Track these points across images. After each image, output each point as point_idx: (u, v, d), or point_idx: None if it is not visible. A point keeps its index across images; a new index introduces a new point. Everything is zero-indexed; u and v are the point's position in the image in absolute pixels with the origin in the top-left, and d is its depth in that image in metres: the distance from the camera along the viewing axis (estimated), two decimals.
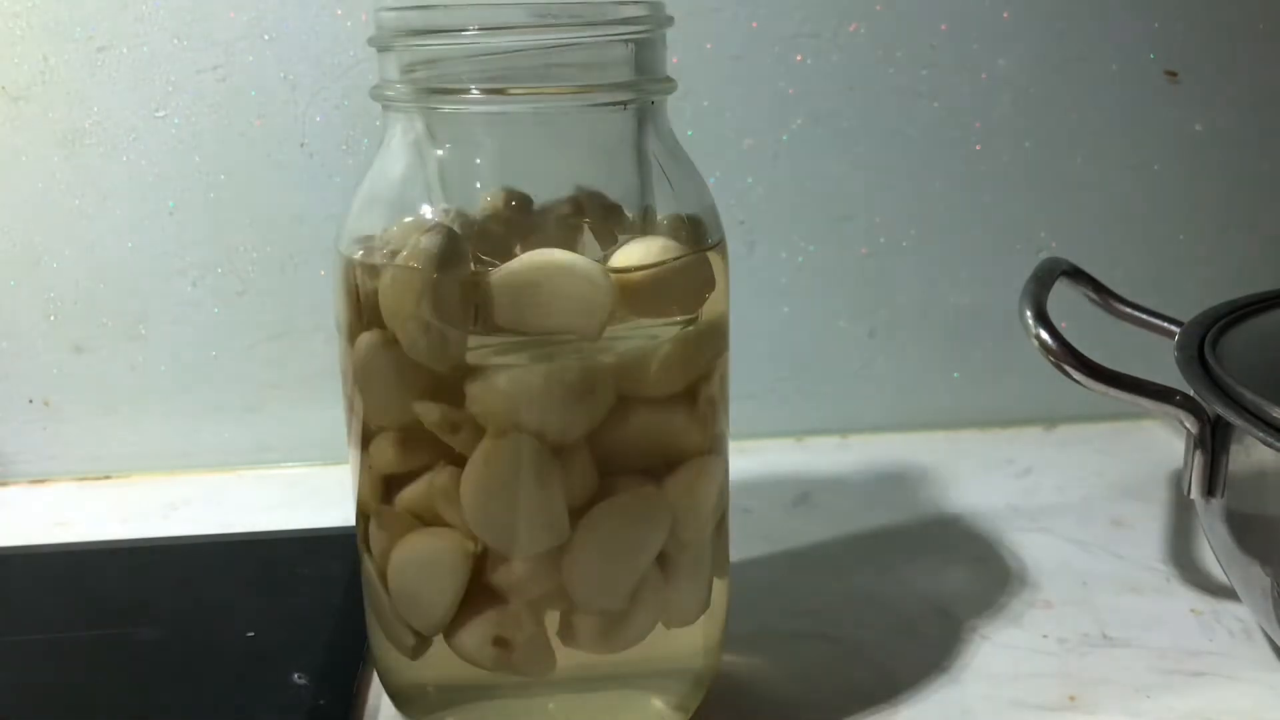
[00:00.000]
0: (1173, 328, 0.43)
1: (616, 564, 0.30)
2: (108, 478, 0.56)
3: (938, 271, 0.57)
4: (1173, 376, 0.38)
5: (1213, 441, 0.36)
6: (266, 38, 0.51)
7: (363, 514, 0.32)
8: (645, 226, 0.31)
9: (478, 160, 0.31)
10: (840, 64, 0.53)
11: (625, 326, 0.29)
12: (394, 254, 0.29)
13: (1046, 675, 0.37)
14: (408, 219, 0.30)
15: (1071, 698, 0.36)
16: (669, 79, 0.31)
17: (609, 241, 0.31)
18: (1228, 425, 0.35)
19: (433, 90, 0.29)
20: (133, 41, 0.51)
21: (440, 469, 0.29)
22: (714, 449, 0.32)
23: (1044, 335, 0.38)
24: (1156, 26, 0.54)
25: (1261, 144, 0.56)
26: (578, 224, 0.31)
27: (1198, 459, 0.37)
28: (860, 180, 0.55)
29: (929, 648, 0.39)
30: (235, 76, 0.51)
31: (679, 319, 0.31)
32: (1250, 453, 0.35)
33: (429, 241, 0.28)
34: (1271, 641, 0.39)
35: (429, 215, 0.30)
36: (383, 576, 0.31)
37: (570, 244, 0.31)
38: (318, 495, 0.53)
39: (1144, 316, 0.46)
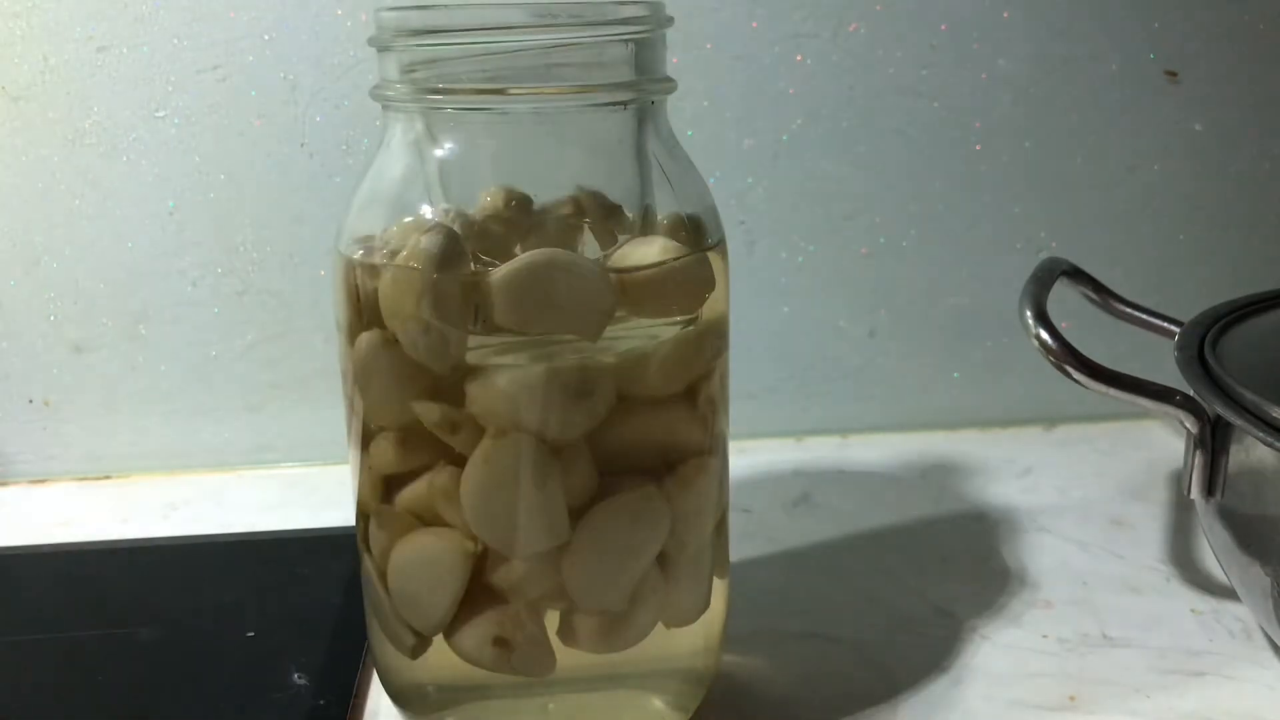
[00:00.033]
0: (1173, 328, 0.43)
1: (616, 564, 0.30)
2: (108, 478, 0.56)
3: (938, 271, 0.57)
4: (1173, 376, 0.38)
5: (1213, 441, 0.36)
6: (266, 38, 0.51)
7: (363, 514, 0.32)
8: (645, 226, 0.31)
9: (478, 160, 0.31)
10: (840, 64, 0.53)
11: (625, 326, 0.29)
12: (394, 254, 0.29)
13: (1046, 675, 0.37)
14: (408, 219, 0.30)
15: (1071, 698, 0.36)
16: (669, 79, 0.31)
17: (609, 241, 0.31)
18: (1228, 425, 0.35)
19: (433, 90, 0.29)
20: (133, 41, 0.51)
21: (440, 469, 0.29)
22: (714, 449, 0.32)
23: (1044, 335, 0.38)
24: (1156, 26, 0.54)
25: (1261, 144, 0.56)
26: (578, 224, 0.31)
27: (1198, 459, 0.37)
28: (860, 180, 0.55)
29: (929, 648, 0.39)
30: (235, 76, 0.51)
31: (679, 319, 0.31)
32: (1250, 453, 0.35)
33: (429, 241, 0.28)
34: (1271, 641, 0.39)
35: (429, 215, 0.30)
36: (383, 576, 0.31)
37: (570, 244, 0.31)
38: (317, 495, 0.53)
39: (1144, 316, 0.46)
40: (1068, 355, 0.37)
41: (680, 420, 0.31)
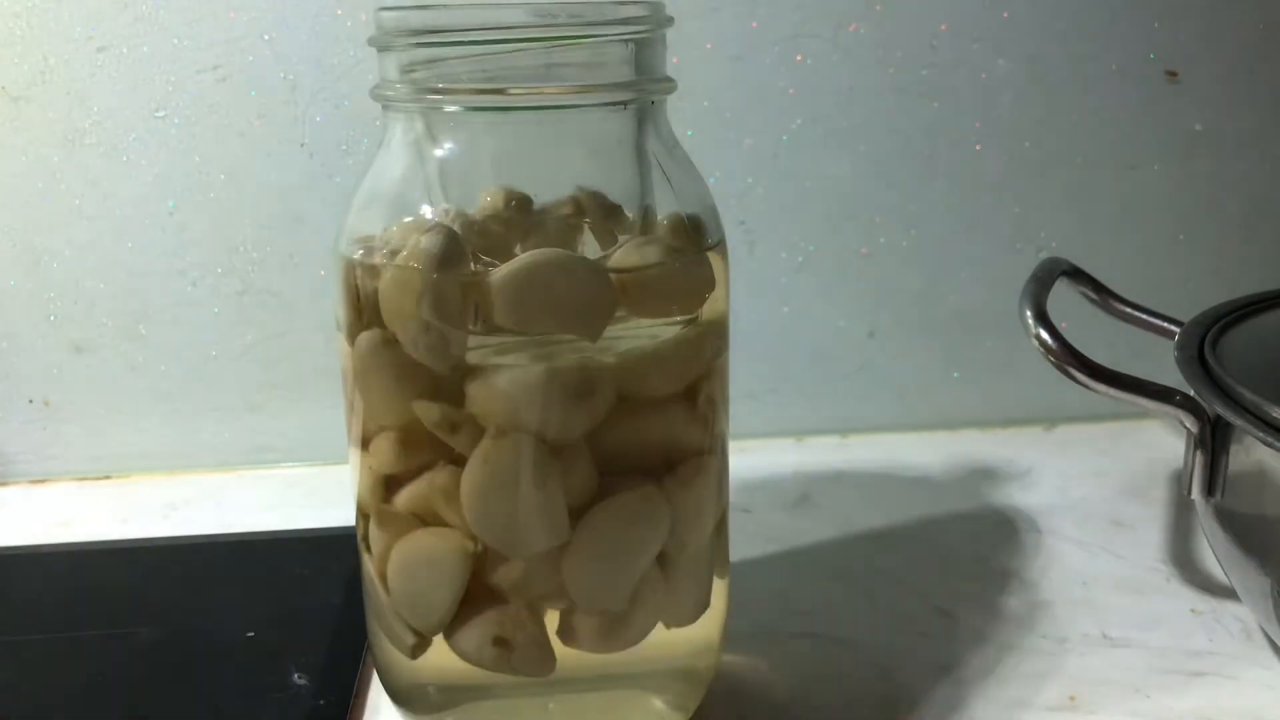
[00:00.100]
0: (1173, 328, 0.43)
1: (616, 564, 0.30)
2: (108, 478, 0.56)
3: (938, 271, 0.57)
4: (1173, 376, 0.38)
5: (1213, 441, 0.36)
6: (266, 38, 0.51)
7: (362, 514, 0.32)
8: (645, 226, 0.31)
9: (478, 160, 0.31)
10: (840, 64, 0.53)
11: (625, 326, 0.29)
12: (394, 254, 0.29)
13: (1046, 675, 0.37)
14: (408, 219, 0.30)
15: (1071, 698, 0.36)
16: (669, 79, 0.31)
17: (609, 241, 0.31)
18: (1228, 425, 0.35)
19: (433, 90, 0.29)
20: (133, 41, 0.51)
21: (440, 469, 0.29)
22: (714, 449, 0.32)
23: (1044, 335, 0.38)
24: (1156, 26, 0.54)
25: (1261, 144, 0.56)
26: (578, 224, 0.31)
27: (1198, 459, 0.37)
28: (860, 180, 0.55)
29: (929, 648, 0.39)
30: (235, 76, 0.51)
31: (679, 319, 0.31)
32: (1250, 453, 0.35)
33: (429, 241, 0.28)
34: (1271, 641, 0.39)
35: (429, 215, 0.30)
36: (382, 576, 0.31)
37: (570, 244, 0.31)
38: (317, 495, 0.53)
39: (1144, 316, 0.46)
40: (1068, 355, 0.37)
41: (680, 420, 0.31)
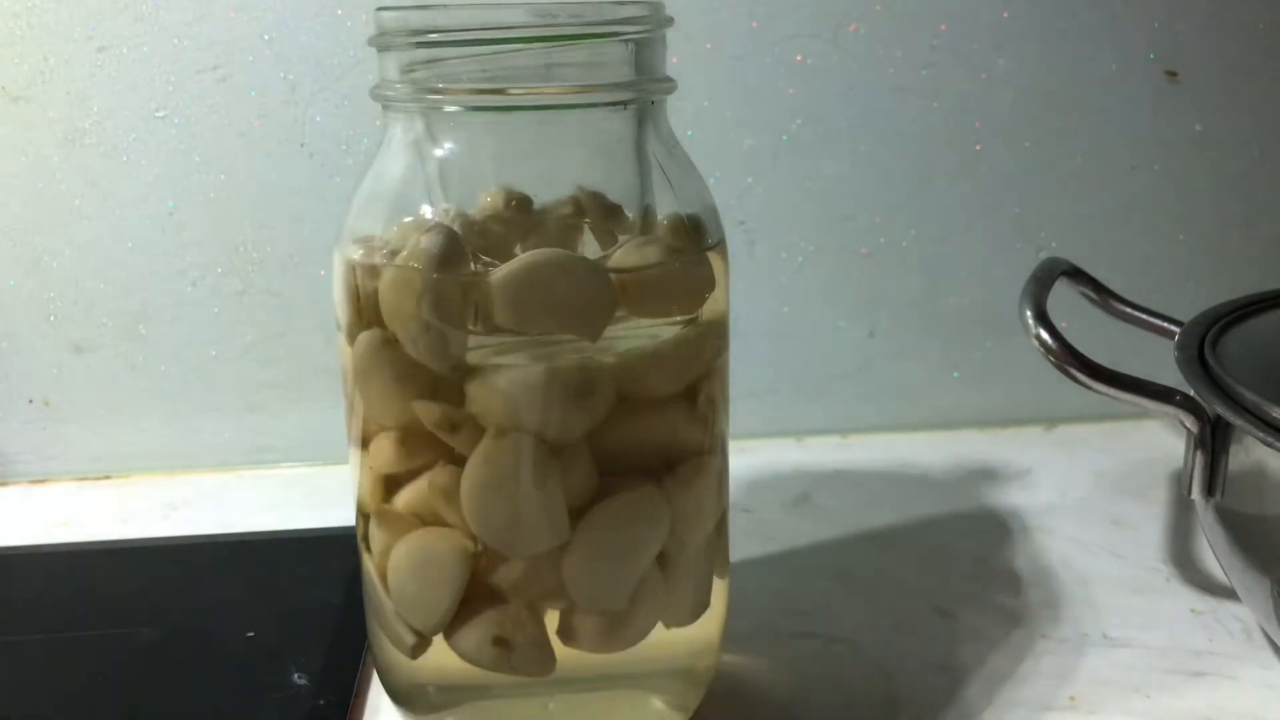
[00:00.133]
0: (1173, 328, 0.43)
1: (616, 564, 0.30)
2: (108, 478, 0.56)
3: (938, 271, 0.57)
4: (1173, 376, 0.38)
5: (1213, 441, 0.36)
6: (266, 38, 0.51)
7: (362, 513, 0.32)
8: (645, 226, 0.31)
9: (478, 160, 0.31)
10: (840, 64, 0.53)
11: (625, 326, 0.29)
12: (394, 254, 0.29)
13: (1046, 675, 0.37)
14: (408, 219, 0.30)
15: (1071, 698, 0.36)
16: (669, 79, 0.31)
17: (609, 241, 0.31)
18: (1228, 425, 0.35)
19: (433, 90, 0.29)
20: (133, 41, 0.51)
21: (440, 469, 0.29)
22: (714, 449, 0.32)
23: (1044, 335, 0.38)
24: (1156, 26, 0.54)
25: (1261, 144, 0.56)
26: (578, 224, 0.31)
27: (1198, 459, 0.37)
28: (860, 180, 0.55)
29: (929, 648, 0.39)
30: (235, 76, 0.51)
31: (679, 319, 0.31)
32: (1250, 453, 0.35)
33: (429, 241, 0.28)
34: (1271, 641, 0.39)
35: (429, 215, 0.30)
36: (382, 576, 0.31)
37: (570, 244, 0.31)
38: (317, 495, 0.53)
39: (1144, 316, 0.46)
40: (1068, 355, 0.37)
41: (680, 420, 0.31)
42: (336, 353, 0.32)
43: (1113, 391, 0.37)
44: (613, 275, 0.29)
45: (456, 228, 0.29)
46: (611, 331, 0.29)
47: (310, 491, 0.54)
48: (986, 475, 0.53)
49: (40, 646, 0.40)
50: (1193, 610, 0.41)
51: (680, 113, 0.33)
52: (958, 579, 0.44)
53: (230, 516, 0.51)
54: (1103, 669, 0.38)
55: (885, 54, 0.53)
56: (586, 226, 0.31)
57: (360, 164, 0.50)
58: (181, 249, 0.53)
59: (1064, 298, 0.44)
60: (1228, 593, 0.41)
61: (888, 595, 0.42)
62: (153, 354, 0.55)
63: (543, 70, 0.29)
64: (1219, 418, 0.36)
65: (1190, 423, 0.36)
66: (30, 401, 0.55)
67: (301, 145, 0.52)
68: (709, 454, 0.32)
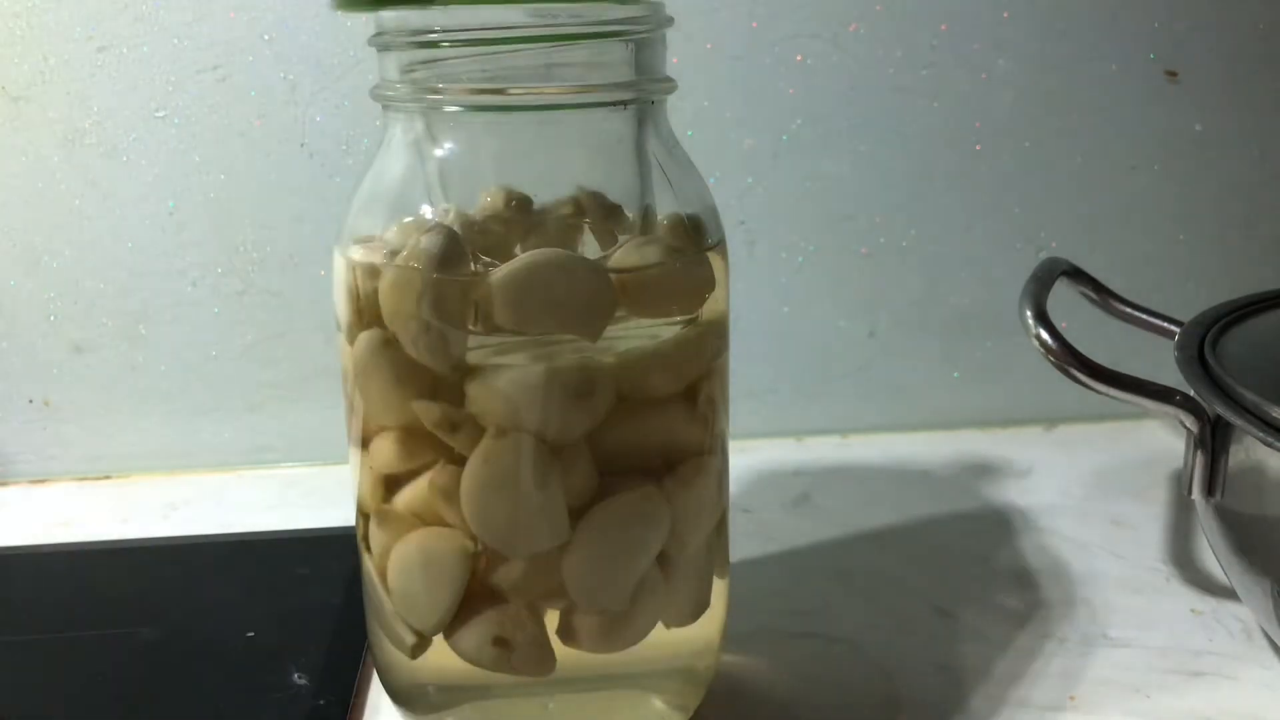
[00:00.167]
0: (1173, 328, 0.43)
1: (616, 564, 0.30)
2: (108, 478, 0.56)
3: (938, 271, 0.57)
4: (1173, 376, 0.38)
5: (1213, 441, 0.36)
6: (266, 38, 0.51)
7: (362, 513, 0.32)
8: (645, 226, 0.31)
9: (478, 160, 0.31)
10: (840, 64, 0.53)
11: (625, 326, 0.29)
12: (394, 254, 0.29)
13: (1046, 675, 0.37)
14: (408, 219, 0.30)
15: (1071, 698, 0.36)
16: (669, 79, 0.31)
17: (609, 242, 0.31)
18: (1228, 425, 0.35)
19: (433, 90, 0.29)
20: (133, 41, 0.51)
21: (440, 468, 0.29)
22: (714, 449, 0.32)
23: (1044, 335, 0.38)
24: (1156, 26, 0.54)
25: (1261, 144, 0.56)
26: (578, 224, 0.31)
27: (1198, 459, 0.37)
28: (860, 180, 0.55)
29: (929, 648, 0.39)
30: (235, 76, 0.51)
31: (679, 319, 0.31)
32: (1250, 453, 0.35)
33: (429, 241, 0.28)
34: (1271, 641, 0.39)
35: (429, 215, 0.30)
36: (382, 576, 0.31)
37: (570, 244, 0.31)
38: (317, 495, 0.53)
39: (1144, 316, 0.46)
40: (1068, 355, 0.37)
41: (680, 420, 0.31)
42: (336, 353, 0.32)
43: (1113, 391, 0.37)
44: (613, 275, 0.29)
45: (456, 228, 0.29)
46: (611, 331, 0.29)
47: (310, 491, 0.54)
48: (986, 475, 0.53)
49: (40, 646, 0.40)
50: (1193, 610, 0.41)
51: (680, 113, 0.33)
52: (958, 579, 0.44)
53: (230, 516, 0.51)
54: (1103, 669, 0.38)
55: (885, 54, 0.53)
56: (586, 226, 0.31)
57: (360, 164, 0.50)
58: (181, 249, 0.53)
59: (1064, 298, 0.44)
60: (1228, 593, 0.41)
61: (888, 595, 0.43)
62: (153, 354, 0.55)
63: (543, 70, 0.29)
64: (1219, 418, 0.36)
65: (1190, 423, 0.36)
66: (30, 401, 0.55)
67: (301, 145, 0.52)
68: (709, 454, 0.32)
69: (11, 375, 0.55)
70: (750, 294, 0.56)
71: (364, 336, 0.30)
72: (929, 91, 0.54)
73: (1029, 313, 0.39)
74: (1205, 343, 0.40)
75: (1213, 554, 0.40)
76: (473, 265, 0.29)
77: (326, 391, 0.55)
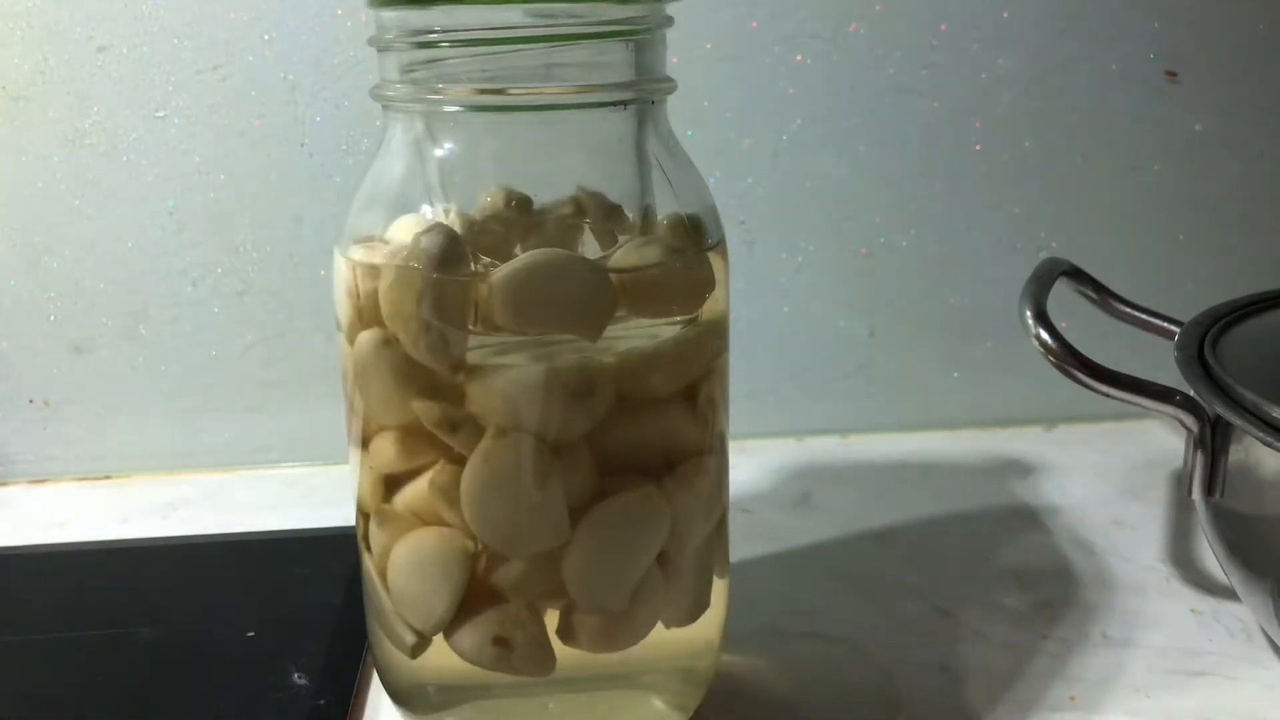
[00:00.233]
0: (1173, 328, 0.43)
1: (616, 564, 0.30)
2: (108, 478, 0.56)
3: (938, 271, 0.57)
4: (1173, 376, 0.38)
5: (1213, 441, 0.36)
6: (266, 38, 0.51)
7: (362, 513, 0.32)
8: (645, 226, 0.31)
9: (478, 160, 0.31)
10: (840, 64, 0.53)
11: (625, 326, 0.29)
12: (394, 254, 0.29)
13: (1046, 675, 0.37)
14: (407, 219, 0.30)
15: (1071, 698, 0.36)
16: (669, 79, 0.31)
17: (609, 242, 0.31)
18: (1228, 425, 0.35)
19: (433, 90, 0.29)
20: (133, 41, 0.51)
21: (440, 468, 0.29)
22: (714, 449, 0.32)
23: (1044, 335, 0.38)
24: (1156, 26, 0.54)
25: (1261, 144, 0.56)
26: (578, 224, 0.31)
27: (1198, 459, 0.37)
28: (860, 180, 0.55)
29: (929, 648, 0.39)
30: (235, 76, 0.51)
31: (679, 319, 0.31)
32: (1250, 453, 0.35)
33: (429, 241, 0.28)
34: (1271, 641, 0.39)
35: (429, 215, 0.30)
36: (383, 576, 0.31)
37: (570, 244, 0.31)
38: (317, 495, 0.53)
39: (1144, 316, 0.46)
40: (1068, 355, 0.37)
41: (680, 420, 0.31)
42: (336, 353, 0.32)
43: (1113, 391, 0.37)
44: (613, 275, 0.29)
45: (456, 228, 0.29)
46: (611, 331, 0.29)
47: (310, 491, 0.54)
48: (986, 475, 0.53)
49: (40, 646, 0.40)
50: (1193, 610, 0.41)
51: (680, 113, 0.33)
52: (958, 579, 0.44)
53: (230, 516, 0.51)
54: (1103, 669, 0.38)
55: (885, 54, 0.53)
56: (586, 226, 0.31)
57: (360, 164, 0.50)
58: (181, 249, 0.53)
59: (1064, 298, 0.44)
60: (1228, 593, 0.41)
61: (888, 595, 0.43)
62: (153, 354, 0.55)
63: (543, 70, 0.29)
64: (1219, 418, 0.36)
65: (1190, 423, 0.36)
66: (30, 401, 0.55)
67: (301, 145, 0.52)
68: (709, 454, 0.32)
69: (11, 375, 0.55)
70: (750, 294, 0.56)
71: (364, 336, 0.30)
72: (929, 91, 0.54)
73: (1029, 313, 0.39)
74: (1205, 343, 0.40)
75: (1213, 554, 0.40)
76: (473, 265, 0.29)
77: (326, 391, 0.55)
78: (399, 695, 0.34)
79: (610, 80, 0.30)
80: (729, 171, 0.54)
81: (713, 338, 0.31)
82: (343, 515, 0.47)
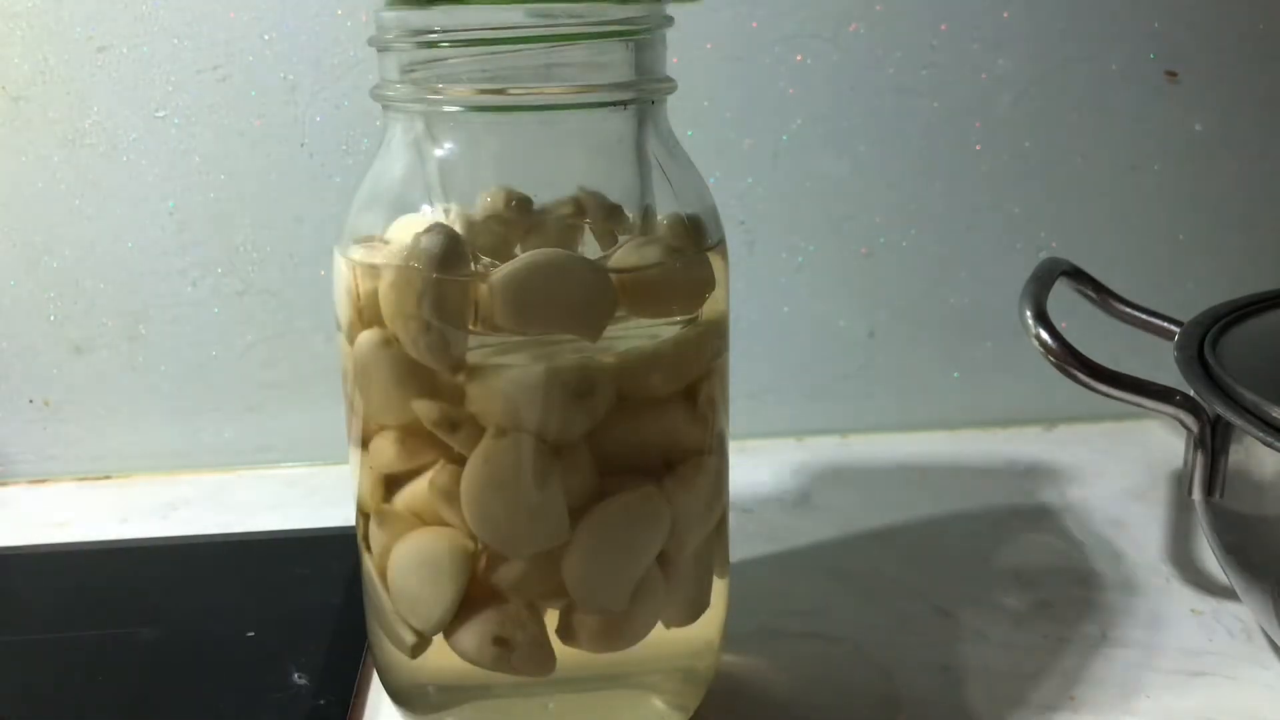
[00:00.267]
0: (1173, 328, 0.43)
1: (616, 564, 0.30)
2: (108, 478, 0.56)
3: (938, 271, 0.57)
4: (1173, 376, 0.38)
5: (1213, 441, 0.36)
6: (266, 38, 0.51)
7: (362, 513, 0.32)
8: (645, 226, 0.31)
9: (478, 160, 0.31)
10: (840, 64, 0.53)
11: (625, 326, 0.29)
12: (394, 254, 0.29)
13: (1046, 675, 0.37)
14: (407, 219, 0.30)
15: (1071, 698, 0.36)
16: (669, 79, 0.31)
17: (609, 242, 0.31)
18: (1228, 425, 0.35)
19: (433, 90, 0.29)
20: (133, 41, 0.51)
21: (440, 468, 0.29)
22: (714, 449, 0.32)
23: (1044, 335, 0.38)
24: (1156, 26, 0.54)
25: (1261, 144, 0.56)
26: (578, 224, 0.31)
27: (1198, 459, 0.37)
28: (860, 180, 0.55)
29: (929, 648, 0.39)
30: (235, 76, 0.51)
31: (679, 319, 0.31)
32: (1250, 453, 0.35)
33: (429, 241, 0.28)
34: (1271, 641, 0.39)
35: (429, 215, 0.30)
36: (383, 576, 0.31)
37: (570, 244, 0.31)
38: (317, 495, 0.53)
39: (1144, 316, 0.46)
40: (1068, 355, 0.37)
41: (680, 420, 0.31)
42: (336, 353, 0.32)
43: (1113, 391, 0.37)
44: (613, 275, 0.29)
45: (457, 228, 0.29)
46: (611, 331, 0.29)
47: (310, 491, 0.54)
48: (986, 475, 0.53)
49: (40, 646, 0.40)
50: (1193, 610, 0.41)
51: (680, 113, 0.33)
52: (958, 579, 0.44)
53: (230, 516, 0.51)
54: (1103, 669, 0.38)
55: (885, 54, 0.53)
56: (586, 226, 0.31)
57: (360, 164, 0.50)
58: (181, 249, 0.53)
59: (1064, 298, 0.44)
60: (1228, 593, 0.41)
61: (888, 595, 0.43)
62: (153, 354, 0.55)
63: (543, 70, 0.29)
64: (1219, 418, 0.36)
65: (1190, 423, 0.36)
66: (30, 401, 0.55)
67: (301, 145, 0.52)
68: (709, 454, 0.32)
69: (11, 375, 0.55)
70: (750, 294, 0.56)
71: (364, 336, 0.30)
72: (929, 91, 0.54)
73: (1029, 313, 0.39)
74: (1205, 343, 0.40)
75: (1213, 554, 0.40)
76: (473, 265, 0.29)
77: (326, 391, 0.55)
78: (399, 695, 0.34)
79: (610, 80, 0.30)
80: (729, 171, 0.54)
81: (713, 338, 0.31)
82: (343, 515, 0.47)
